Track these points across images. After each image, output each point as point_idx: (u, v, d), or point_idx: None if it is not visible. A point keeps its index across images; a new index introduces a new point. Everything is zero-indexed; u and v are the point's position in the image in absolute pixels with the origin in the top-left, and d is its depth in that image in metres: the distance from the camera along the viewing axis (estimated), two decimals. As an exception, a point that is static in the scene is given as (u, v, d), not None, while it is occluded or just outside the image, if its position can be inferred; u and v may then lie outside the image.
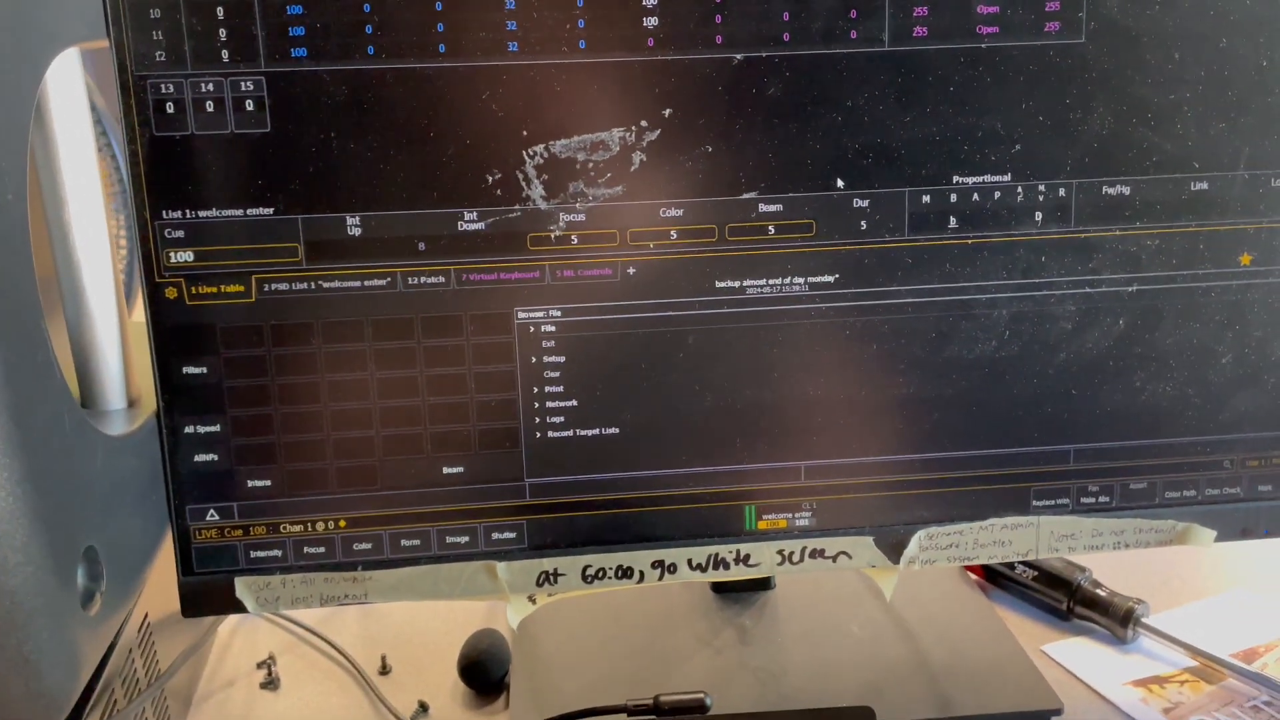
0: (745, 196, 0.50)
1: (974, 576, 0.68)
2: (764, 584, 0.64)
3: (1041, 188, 0.51)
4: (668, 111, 0.48)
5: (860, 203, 0.50)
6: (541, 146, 0.48)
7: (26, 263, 0.36)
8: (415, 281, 0.49)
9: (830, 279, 0.51)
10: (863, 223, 0.50)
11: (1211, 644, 0.60)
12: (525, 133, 0.48)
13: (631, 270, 0.50)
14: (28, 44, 0.38)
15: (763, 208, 0.50)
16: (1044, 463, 0.54)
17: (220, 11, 0.45)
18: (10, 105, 0.36)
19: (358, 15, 0.46)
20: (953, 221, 0.51)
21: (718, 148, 0.49)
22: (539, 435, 0.51)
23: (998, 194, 0.51)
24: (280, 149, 0.47)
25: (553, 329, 0.50)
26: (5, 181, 0.34)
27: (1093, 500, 0.55)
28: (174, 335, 0.48)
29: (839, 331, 0.51)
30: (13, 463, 0.33)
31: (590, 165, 0.49)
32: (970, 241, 0.51)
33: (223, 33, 0.45)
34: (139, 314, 0.49)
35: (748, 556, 0.54)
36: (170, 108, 0.46)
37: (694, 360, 0.51)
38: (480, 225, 0.49)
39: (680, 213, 0.49)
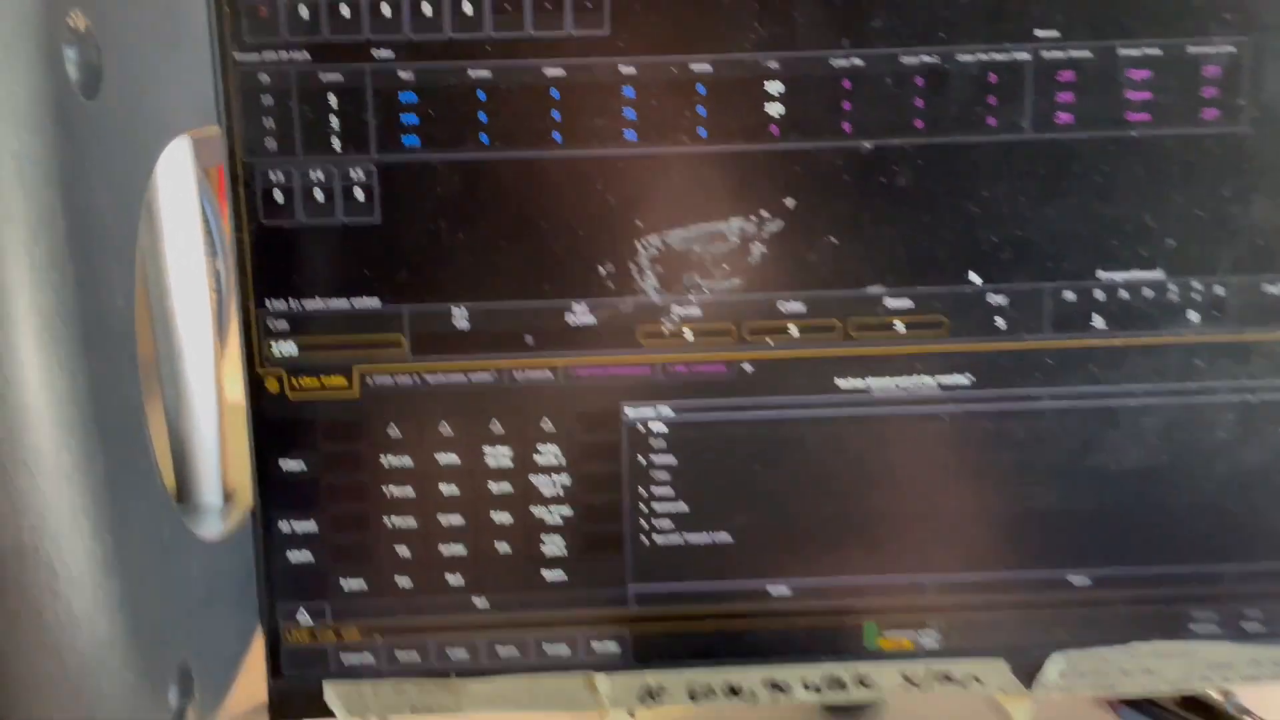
0: (871, 291, 0.46)
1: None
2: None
3: (1196, 285, 0.47)
4: (791, 201, 0.46)
5: (997, 299, 0.47)
6: (656, 237, 0.46)
7: (133, 373, 0.35)
8: (522, 376, 0.47)
9: (963, 380, 0.47)
10: (999, 320, 0.47)
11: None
12: (640, 223, 0.46)
13: (748, 367, 0.47)
14: (141, 135, 0.37)
15: (890, 303, 0.47)
16: (1197, 584, 0.49)
17: (332, 99, 0.44)
18: (121, 204, 0.35)
19: (472, 103, 0.44)
20: (1098, 320, 0.47)
21: (843, 239, 0.46)
22: (645, 541, 0.48)
23: (1148, 292, 0.47)
24: (389, 239, 0.45)
25: (662, 428, 0.47)
26: (114, 285, 0.33)
27: (1252, 626, 0.50)
28: (273, 429, 0.46)
29: (972, 437, 0.48)
30: (111, 583, 0.31)
31: (707, 256, 0.46)
32: (1118, 342, 0.47)
33: (334, 120, 0.44)
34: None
35: (867, 678, 0.49)
36: (279, 196, 0.45)
37: (813, 464, 0.48)
38: (590, 318, 0.46)
39: (801, 307, 0.47)
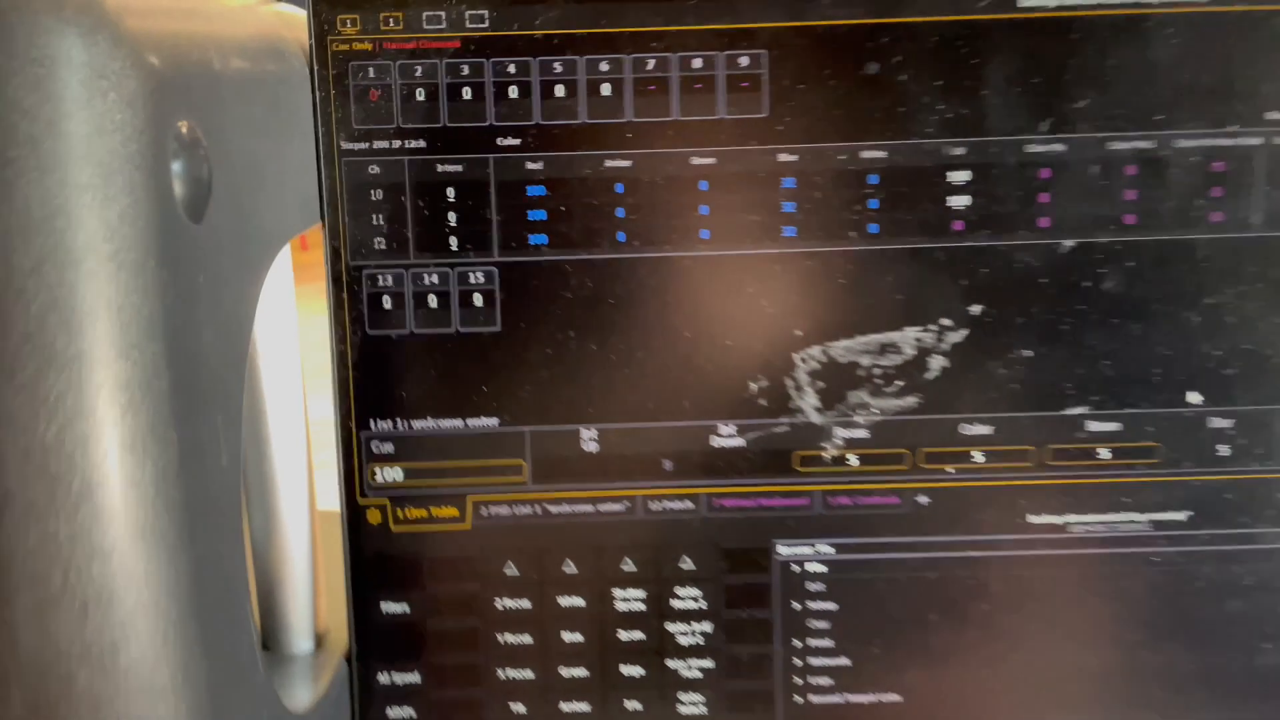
0: (1071, 412, 0.40)
1: None
2: None
3: None
4: (977, 308, 0.39)
5: (1220, 423, 0.39)
6: (818, 348, 0.39)
7: (238, 549, 0.29)
8: (658, 507, 0.40)
9: (1180, 517, 0.40)
10: (1223, 448, 0.40)
11: None
12: (799, 332, 0.39)
13: (924, 499, 0.40)
14: (249, 253, 0.32)
15: (1093, 426, 0.40)
16: None
17: (451, 193, 0.39)
18: (228, 341, 0.29)
19: (609, 197, 0.39)
20: (1345, 448, 0.40)
21: (1039, 352, 0.39)
22: (800, 699, 0.41)
23: (1405, 414, 0.39)
24: (511, 350, 0.39)
25: (822, 569, 0.41)
26: (220, 444, 0.27)
27: None
28: (374, 566, 0.40)
29: (1189, 583, 0.40)
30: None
31: (877, 371, 0.40)
32: (1370, 474, 0.40)
33: (452, 217, 0.39)
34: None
35: None
36: (387, 302, 0.39)
37: (999, 613, 0.41)
38: (739, 441, 0.40)
39: (988, 430, 0.40)
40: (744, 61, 0.38)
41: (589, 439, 0.40)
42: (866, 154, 0.38)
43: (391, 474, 0.40)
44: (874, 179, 0.39)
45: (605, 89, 0.38)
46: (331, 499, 0.41)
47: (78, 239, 0.22)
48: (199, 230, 0.26)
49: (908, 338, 0.39)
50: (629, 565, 0.41)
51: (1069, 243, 0.39)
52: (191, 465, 0.24)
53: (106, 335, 0.22)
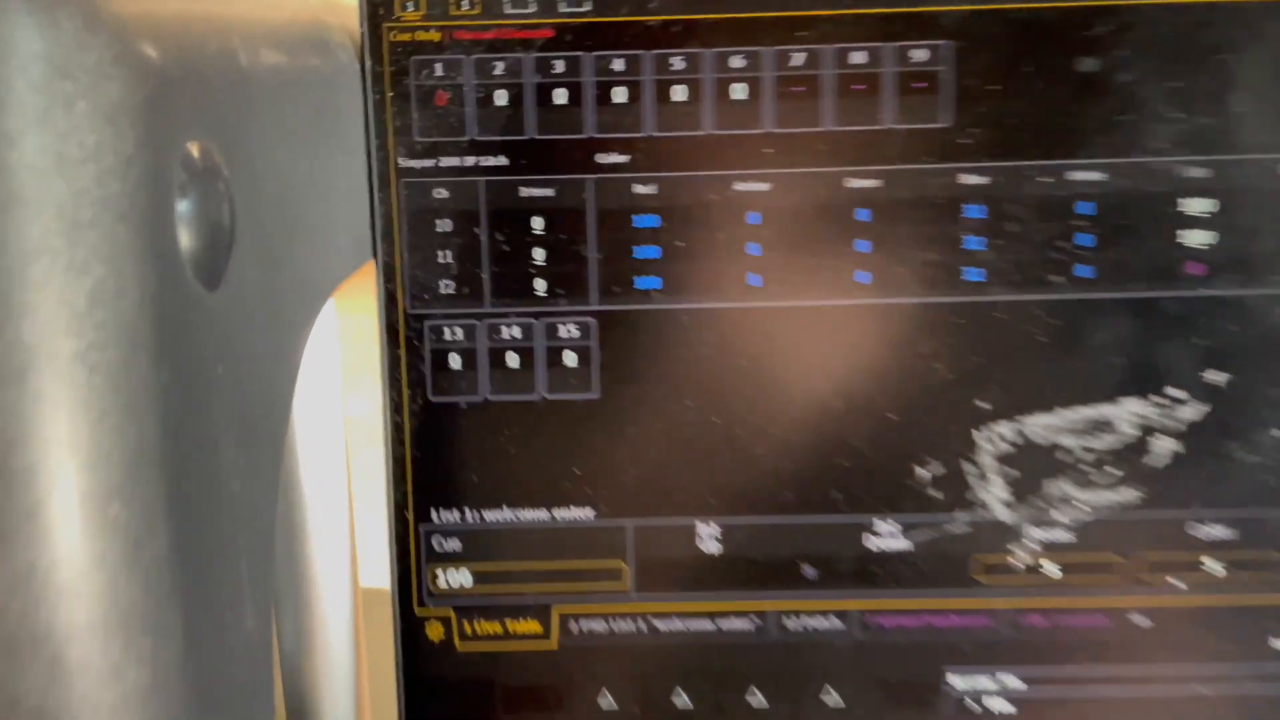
0: (1341, 511, 0.30)
1: None
2: None
3: None
4: (1219, 376, 0.30)
5: None
6: (1009, 425, 0.31)
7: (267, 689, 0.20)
8: (797, 625, 0.32)
9: None
10: None
11: None
12: (985, 404, 0.30)
13: (1142, 620, 0.31)
14: (284, 318, 0.23)
15: (1370, 530, 0.31)
16: None
17: (538, 224, 0.30)
18: (260, 447, 0.21)
19: (741, 228, 0.30)
20: None
21: (1299, 433, 0.30)
22: None
23: None
24: (611, 422, 0.31)
25: (1008, 708, 0.32)
26: (244, 597, 0.18)
27: None
28: (435, 693, 0.32)
29: None
30: None
31: (1086, 455, 0.31)
32: None
33: (539, 255, 0.30)
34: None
35: None
36: (456, 361, 0.31)
37: (1238, 767, 0.31)
38: (902, 543, 0.31)
39: (1229, 533, 0.31)
40: (920, 56, 0.29)
41: (709, 536, 0.31)
42: (1077, 175, 0.30)
43: (458, 578, 0.32)
44: (1086, 208, 0.30)
45: (737, 91, 0.30)
46: (382, 612, 0.32)
47: (21, 334, 0.14)
48: (216, 300, 0.18)
49: (1126, 413, 0.30)
50: (758, 699, 0.32)
51: (1346, 291, 0.30)
52: (206, 648, 0.16)
53: (72, 485, 0.14)
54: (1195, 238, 0.30)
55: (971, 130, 0.30)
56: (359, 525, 0.32)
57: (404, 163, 0.30)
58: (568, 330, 0.31)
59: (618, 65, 0.30)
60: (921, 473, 0.31)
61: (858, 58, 0.29)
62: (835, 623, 0.32)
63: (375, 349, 0.31)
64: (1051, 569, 0.31)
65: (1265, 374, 0.30)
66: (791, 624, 0.32)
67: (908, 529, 0.31)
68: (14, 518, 0.14)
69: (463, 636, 0.32)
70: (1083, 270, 0.30)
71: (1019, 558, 0.31)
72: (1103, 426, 0.31)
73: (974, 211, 0.30)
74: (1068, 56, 0.29)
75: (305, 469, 0.30)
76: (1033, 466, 0.31)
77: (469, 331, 0.31)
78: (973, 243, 0.30)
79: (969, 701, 0.32)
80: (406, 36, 0.30)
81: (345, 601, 0.31)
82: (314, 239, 0.25)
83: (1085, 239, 0.30)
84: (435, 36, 0.30)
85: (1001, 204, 0.30)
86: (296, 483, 0.30)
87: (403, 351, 0.31)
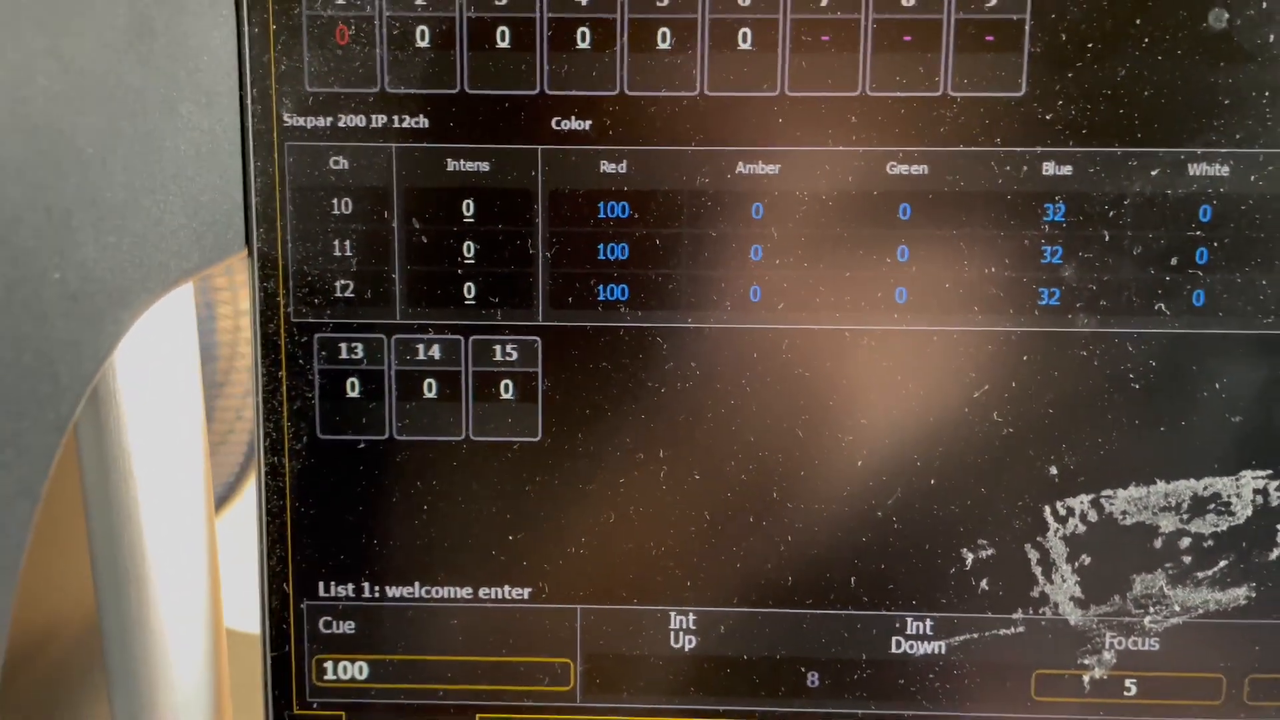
0: None
1: None
2: None
3: None
4: (1370, 445, 0.23)
5: None
6: (1086, 499, 0.23)
7: None
8: (795, 748, 0.24)
9: None
10: None
11: None
12: (1054, 470, 0.23)
13: (1248, 760, 0.24)
14: (83, 336, 0.16)
15: None
16: None
17: (469, 205, 0.23)
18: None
19: (740, 224, 0.23)
20: None
21: None
22: None
23: None
24: (558, 474, 0.23)
25: None
26: None
27: None
28: (316, 823, 0.24)
29: None
30: None
31: (1184, 541, 0.23)
32: None
33: (470, 248, 0.23)
34: None
35: None
36: (354, 388, 0.23)
37: None
38: (937, 646, 0.24)
39: (1371, 652, 0.23)
40: (989, 1, 0.22)
41: (681, 629, 0.24)
42: (1195, 169, 0.22)
43: (351, 669, 0.24)
44: (1206, 213, 0.22)
45: (742, 37, 0.22)
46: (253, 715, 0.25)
47: None
48: None
49: (1242, 488, 0.23)
50: (740, 840, 0.24)
51: None
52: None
53: None
54: (1350, 259, 0.22)
55: (1054, 103, 0.22)
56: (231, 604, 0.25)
57: (290, 120, 0.22)
58: (505, 351, 0.23)
59: (581, -3, 0.22)
60: (969, 558, 0.23)
61: (906, -1, 0.22)
62: (846, 747, 0.24)
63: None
64: (1131, 688, 0.24)
65: None
66: (788, 746, 0.24)
67: (945, 629, 0.24)
68: None
69: (356, 747, 0.24)
70: (1199, 297, 0.22)
71: (1091, 671, 0.24)
72: (1211, 504, 0.23)
73: (1056, 213, 0.22)
74: (1186, 10, 0.22)
75: (148, 498, 0.22)
76: (1114, 553, 0.23)
77: (372, 348, 0.23)
78: (1053, 254, 0.22)
79: None
80: (296, -53, 0.22)
81: (199, 656, 0.24)
82: (147, 219, 0.17)
83: (1202, 254, 0.22)
84: (336, -51, 0.22)
85: (1093, 203, 0.22)
86: (133, 516, 0.22)
87: (284, 372, 0.23)
